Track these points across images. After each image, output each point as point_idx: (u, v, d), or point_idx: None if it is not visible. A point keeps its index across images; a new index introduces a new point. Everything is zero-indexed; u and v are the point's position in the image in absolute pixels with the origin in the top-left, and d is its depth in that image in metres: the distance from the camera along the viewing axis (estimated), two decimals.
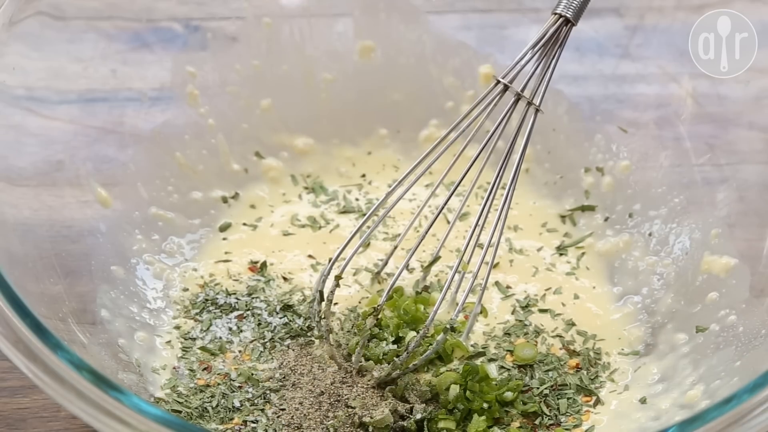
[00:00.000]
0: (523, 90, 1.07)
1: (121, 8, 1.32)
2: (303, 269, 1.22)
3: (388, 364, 1.07)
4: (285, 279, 1.21)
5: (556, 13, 1.06)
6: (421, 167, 1.09)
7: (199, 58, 1.33)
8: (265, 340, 1.14)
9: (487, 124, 1.09)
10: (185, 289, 1.20)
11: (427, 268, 1.19)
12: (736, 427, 0.84)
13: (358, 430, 1.03)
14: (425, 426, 1.04)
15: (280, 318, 1.16)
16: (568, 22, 1.06)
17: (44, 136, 1.20)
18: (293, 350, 1.13)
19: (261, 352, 1.13)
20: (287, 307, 1.17)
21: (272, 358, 1.12)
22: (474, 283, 1.12)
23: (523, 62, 1.07)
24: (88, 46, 1.28)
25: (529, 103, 1.07)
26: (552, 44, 1.06)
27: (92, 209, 1.19)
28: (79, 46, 1.28)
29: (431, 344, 1.08)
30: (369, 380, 1.07)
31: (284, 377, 1.09)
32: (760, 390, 0.86)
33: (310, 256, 1.24)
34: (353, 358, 1.09)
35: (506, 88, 1.07)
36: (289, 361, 1.11)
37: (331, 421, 1.03)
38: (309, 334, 1.14)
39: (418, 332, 1.09)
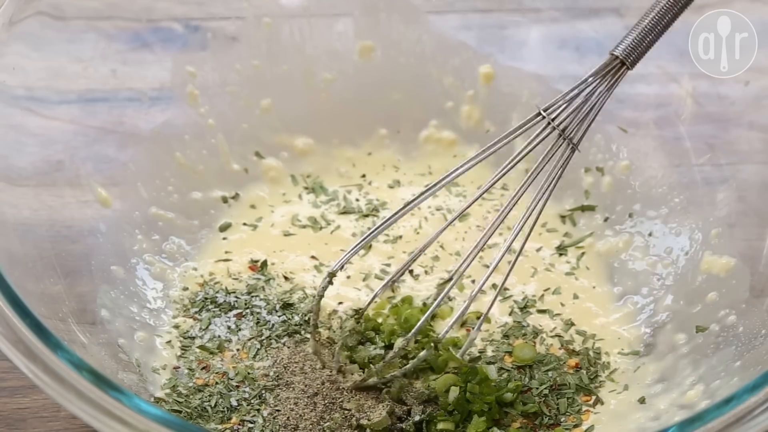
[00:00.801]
0: (559, 122, 1.03)
1: (121, 8, 1.32)
2: (306, 270, 1.22)
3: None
4: (286, 278, 1.21)
5: (614, 55, 1.02)
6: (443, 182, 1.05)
7: (199, 58, 1.33)
8: (263, 338, 1.14)
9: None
10: (185, 289, 1.20)
11: (441, 286, 1.17)
12: (736, 427, 0.84)
13: None
14: (424, 428, 1.04)
15: (280, 316, 1.16)
16: (623, 65, 1.02)
17: (44, 136, 1.20)
18: (288, 347, 1.12)
19: (258, 349, 1.12)
20: (287, 306, 1.17)
21: (267, 356, 1.12)
22: (476, 293, 1.10)
23: (569, 98, 1.03)
24: (88, 46, 1.28)
25: (565, 138, 1.03)
26: (603, 85, 1.02)
27: (92, 209, 1.19)
28: (79, 46, 1.27)
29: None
30: (347, 382, 1.06)
31: (278, 376, 1.09)
32: (760, 390, 0.85)
33: (312, 257, 1.24)
34: (334, 358, 1.08)
35: (548, 122, 1.03)
36: (282, 359, 1.10)
37: (328, 423, 1.03)
38: (303, 331, 1.14)
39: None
